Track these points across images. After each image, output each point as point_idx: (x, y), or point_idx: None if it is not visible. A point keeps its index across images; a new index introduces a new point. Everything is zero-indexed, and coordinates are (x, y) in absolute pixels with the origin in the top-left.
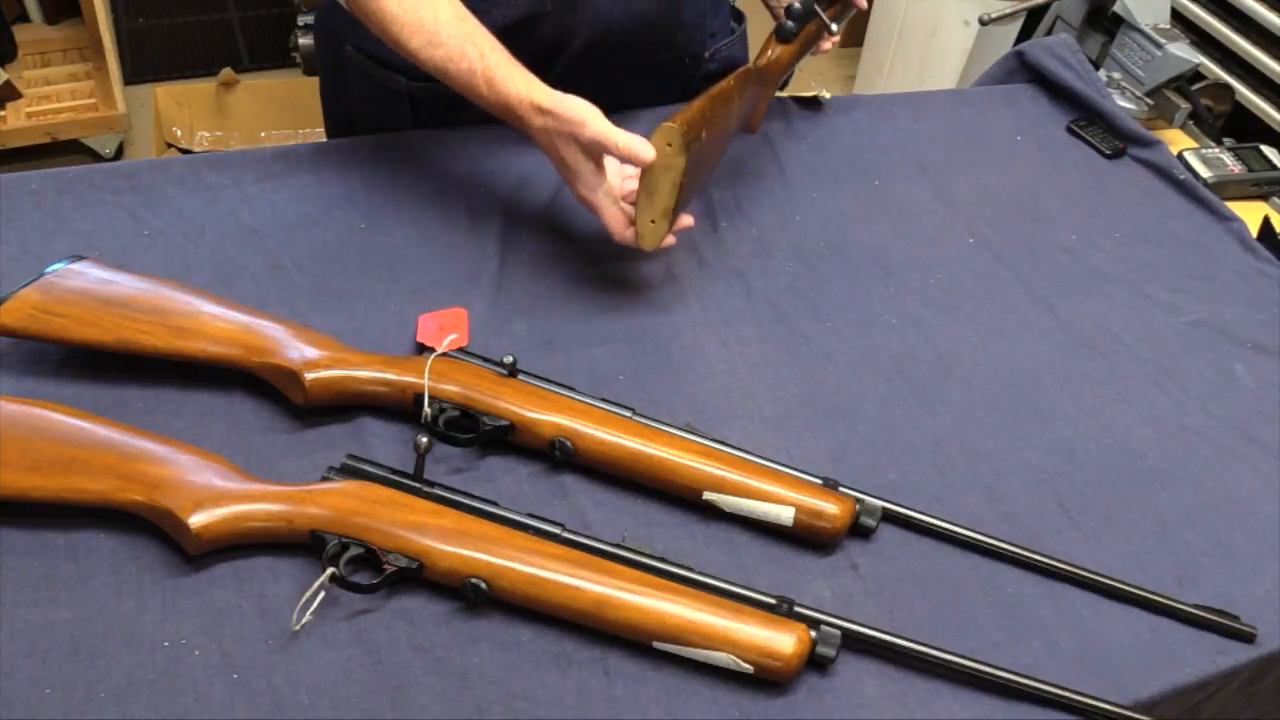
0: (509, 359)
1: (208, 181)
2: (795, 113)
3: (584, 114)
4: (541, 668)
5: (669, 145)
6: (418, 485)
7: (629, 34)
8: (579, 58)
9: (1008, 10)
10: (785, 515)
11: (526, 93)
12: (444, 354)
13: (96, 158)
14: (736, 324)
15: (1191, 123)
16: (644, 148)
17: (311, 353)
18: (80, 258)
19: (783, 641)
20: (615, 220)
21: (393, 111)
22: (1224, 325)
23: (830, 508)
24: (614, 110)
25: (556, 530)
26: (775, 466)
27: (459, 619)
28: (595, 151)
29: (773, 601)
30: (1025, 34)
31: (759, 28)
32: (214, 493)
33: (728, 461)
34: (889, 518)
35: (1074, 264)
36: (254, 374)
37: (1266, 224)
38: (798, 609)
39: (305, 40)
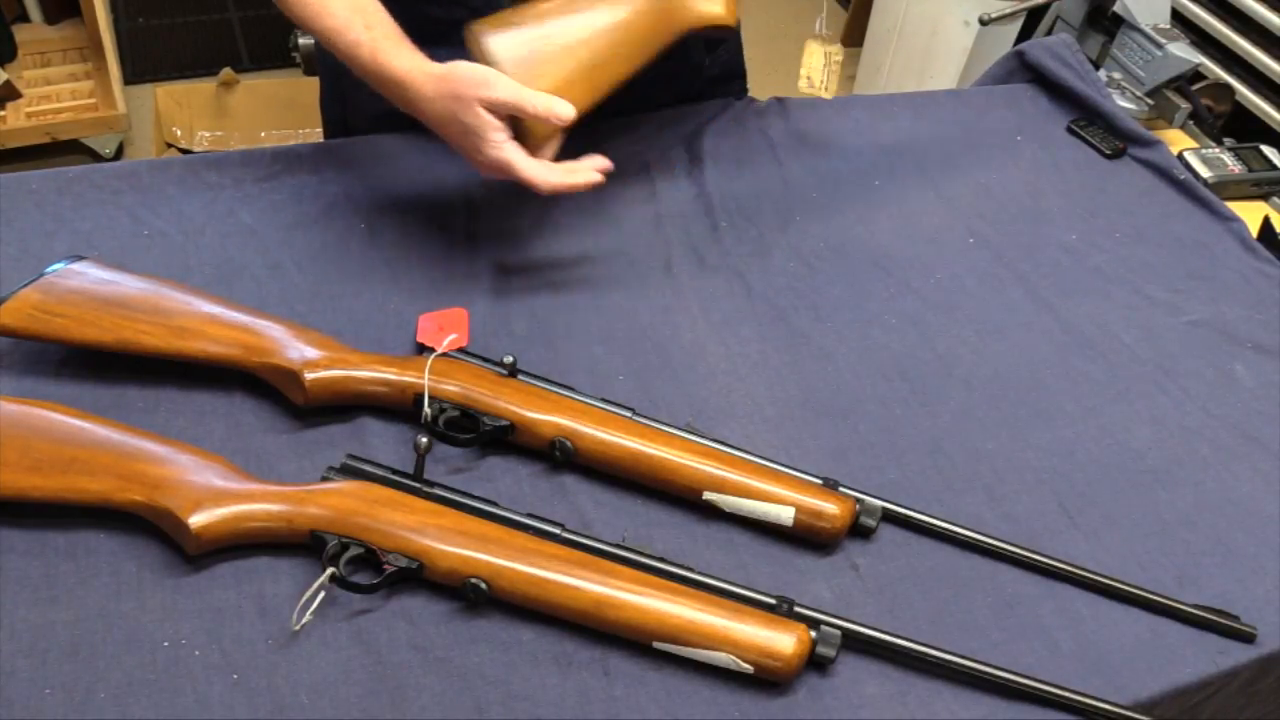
0: (509, 359)
1: (208, 181)
2: (795, 112)
3: (486, 75)
4: (541, 668)
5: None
6: (418, 485)
7: None
8: None
9: (1008, 10)
10: (785, 515)
11: (419, 65)
12: (444, 354)
13: (96, 158)
14: (736, 324)
15: (1191, 123)
16: (562, 106)
17: (311, 353)
18: (80, 258)
19: (783, 641)
20: (534, 170)
21: (391, 125)
22: (1224, 325)
23: (830, 508)
24: (609, 116)
25: (556, 530)
26: (775, 466)
27: (459, 619)
28: (501, 112)
29: (773, 601)
30: (1025, 34)
31: (758, 33)
32: (214, 493)
33: (728, 461)
34: (889, 518)
35: (1074, 264)
36: (254, 374)
37: (1266, 224)
38: (798, 609)
39: (305, 40)
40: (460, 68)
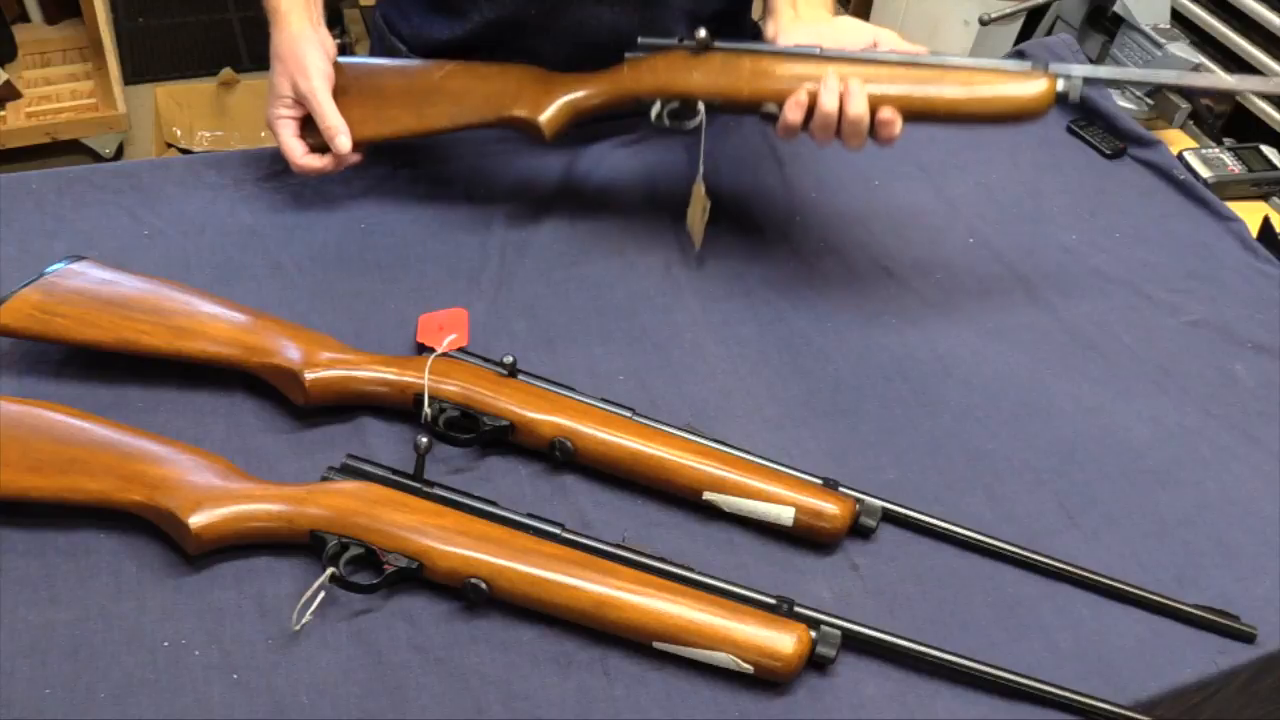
0: (509, 359)
1: (208, 181)
2: None
3: (310, 67)
4: (541, 668)
5: None
6: (418, 485)
7: (613, 48)
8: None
9: (1008, 10)
10: (785, 515)
11: (297, 12)
12: (444, 354)
13: (96, 158)
14: (736, 324)
15: (1191, 123)
16: (342, 139)
17: (311, 353)
18: (80, 258)
19: (783, 641)
20: (289, 147)
21: None
22: (1224, 325)
23: (830, 508)
24: (610, 118)
25: (556, 530)
26: (775, 466)
27: (459, 619)
28: (301, 101)
29: (773, 601)
30: (1025, 34)
31: None
32: (214, 493)
33: (728, 461)
34: (889, 518)
35: (1074, 264)
36: (254, 374)
37: (1266, 224)
38: (798, 609)
39: None
40: (305, 43)
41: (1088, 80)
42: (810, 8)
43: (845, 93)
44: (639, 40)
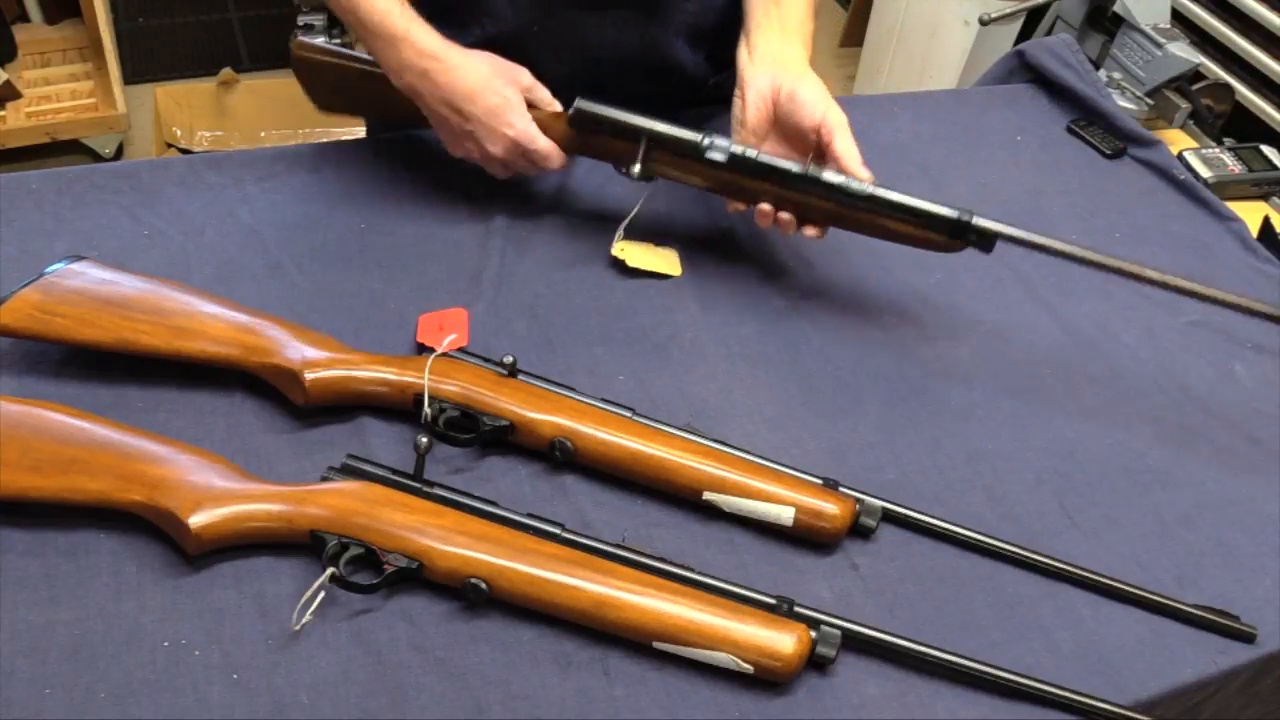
0: (509, 359)
1: (208, 181)
2: None
3: (516, 65)
4: (541, 668)
5: None
6: (418, 485)
7: (615, 64)
8: (566, 82)
9: (1008, 10)
10: (785, 515)
11: (450, 43)
12: (444, 354)
13: (96, 158)
14: (736, 324)
15: (1191, 123)
16: (557, 156)
17: (311, 353)
18: (80, 258)
19: (783, 641)
20: (549, 143)
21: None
22: (1224, 325)
23: (830, 508)
24: None
25: (556, 530)
26: (775, 466)
27: (459, 619)
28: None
29: (773, 601)
30: (1025, 34)
31: None
32: (214, 493)
33: (728, 461)
34: (889, 518)
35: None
36: (254, 374)
37: (1266, 224)
38: (798, 609)
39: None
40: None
41: None
42: (787, 41)
43: (777, 219)
44: (579, 105)
